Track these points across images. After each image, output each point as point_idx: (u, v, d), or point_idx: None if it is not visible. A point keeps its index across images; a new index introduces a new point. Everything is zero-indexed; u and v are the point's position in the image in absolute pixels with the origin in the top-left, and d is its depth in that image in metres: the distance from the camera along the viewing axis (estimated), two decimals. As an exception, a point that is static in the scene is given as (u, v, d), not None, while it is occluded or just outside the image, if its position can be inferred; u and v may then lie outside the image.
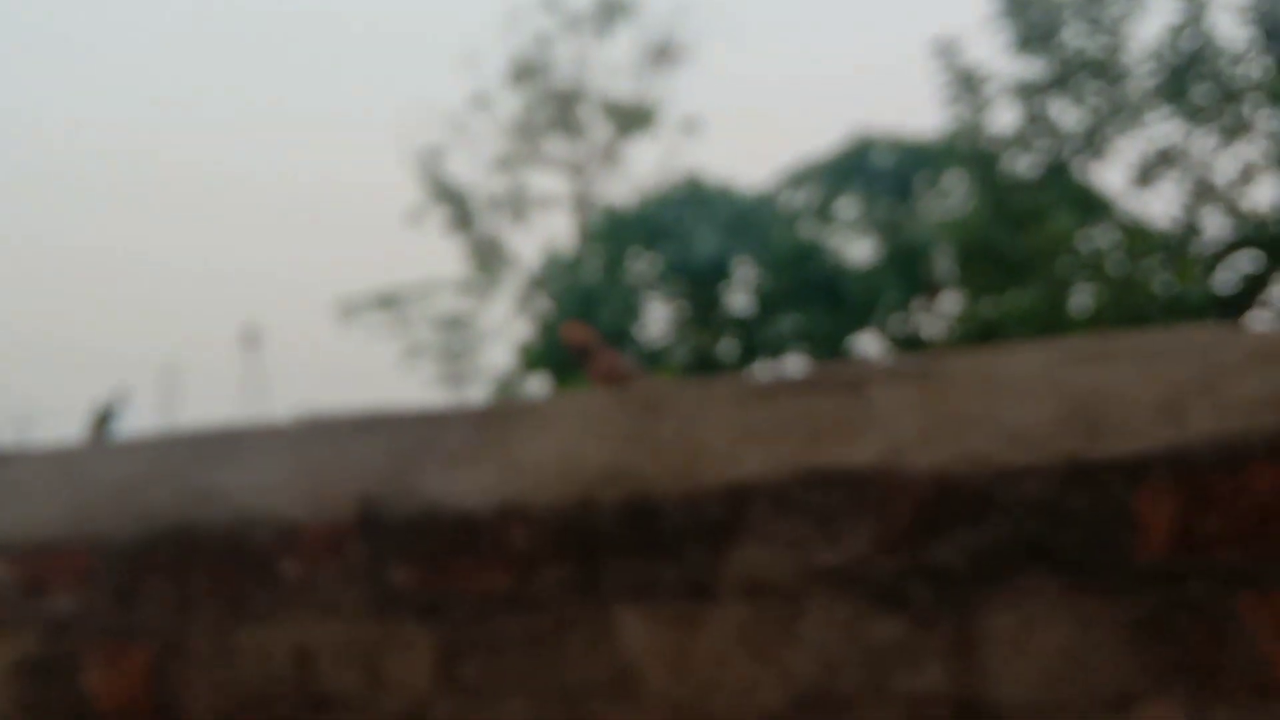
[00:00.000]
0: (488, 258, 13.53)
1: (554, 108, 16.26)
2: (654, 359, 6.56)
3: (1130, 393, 1.69)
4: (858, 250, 8.17)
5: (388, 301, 10.02)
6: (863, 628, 1.69)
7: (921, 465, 1.70)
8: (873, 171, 8.40)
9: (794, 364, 6.87)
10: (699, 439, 1.82)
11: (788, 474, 1.75)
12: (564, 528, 1.81)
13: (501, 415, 1.95)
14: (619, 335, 6.86)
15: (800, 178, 8.25)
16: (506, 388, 8.01)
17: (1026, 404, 1.71)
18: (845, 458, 1.74)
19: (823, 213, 8.12)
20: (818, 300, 6.85)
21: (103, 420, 4.37)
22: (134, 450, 2.10)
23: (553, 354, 6.72)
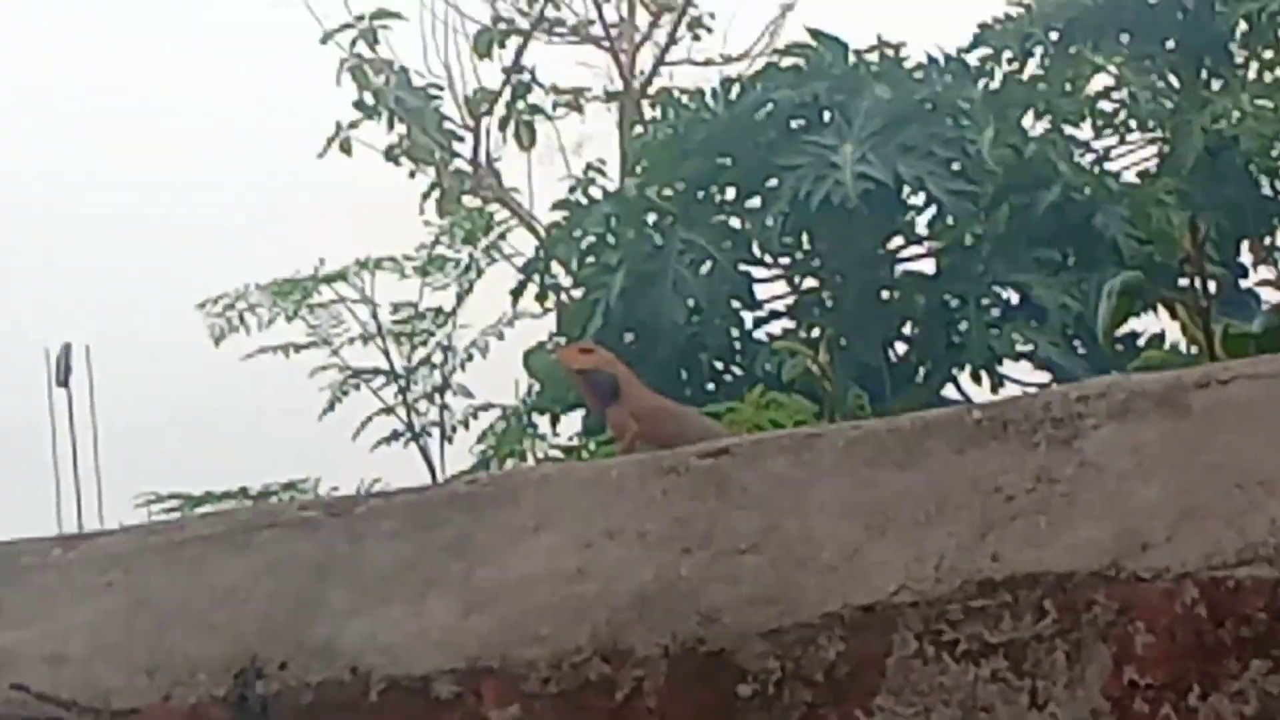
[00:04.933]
0: (463, 203, 12.71)
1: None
2: (728, 387, 6.04)
3: None
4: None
5: (287, 291, 8.98)
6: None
7: (1180, 563, 1.61)
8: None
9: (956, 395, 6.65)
10: (798, 535, 1.72)
11: (952, 590, 1.64)
12: (577, 700, 1.73)
13: (466, 503, 1.86)
14: (680, 348, 6.51)
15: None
16: (500, 445, 7.62)
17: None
18: (1049, 556, 1.63)
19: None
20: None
21: None
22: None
23: (565, 384, 6.39)
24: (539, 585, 1.83)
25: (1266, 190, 7.57)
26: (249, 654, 1.89)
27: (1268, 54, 7.95)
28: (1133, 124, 7.88)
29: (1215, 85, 7.93)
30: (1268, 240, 7.54)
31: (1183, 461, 1.71)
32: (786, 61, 7.30)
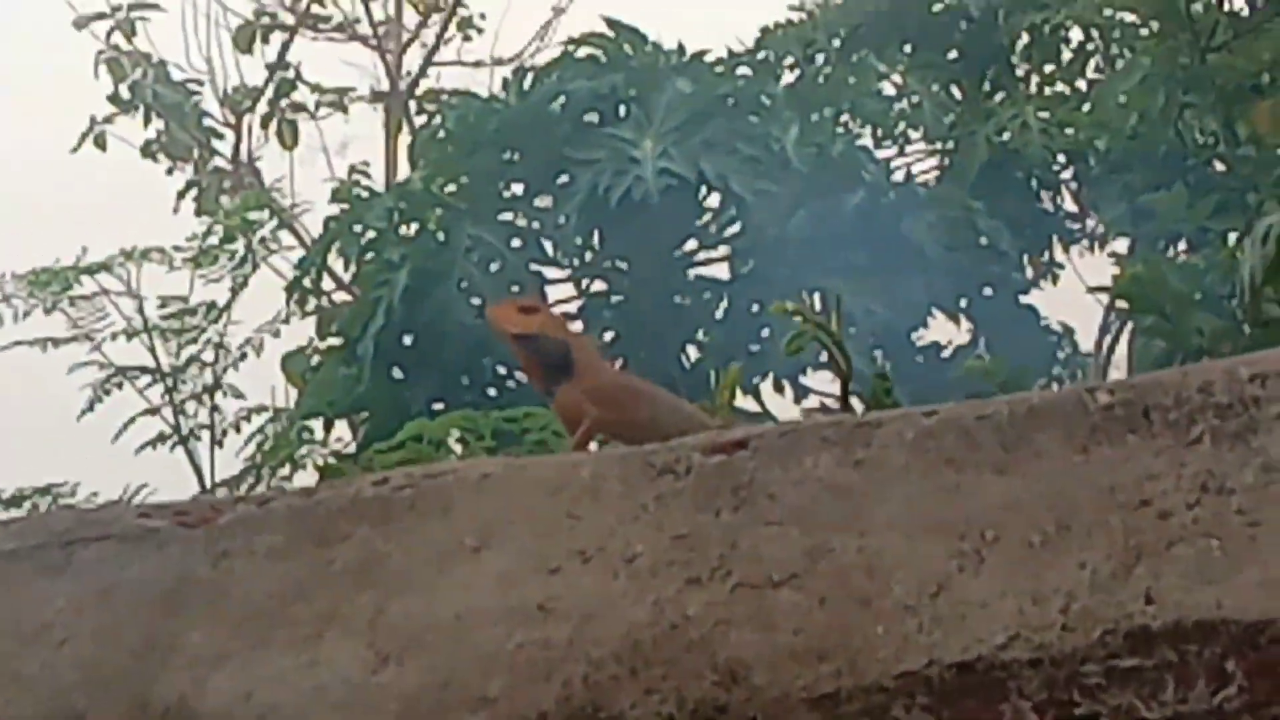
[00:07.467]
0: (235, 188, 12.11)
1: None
2: (511, 394, 5.58)
3: None
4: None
5: (45, 281, 8.38)
6: None
7: None
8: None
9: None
10: (857, 562, 1.32)
11: (1088, 643, 1.26)
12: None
13: (375, 512, 1.42)
14: (465, 351, 5.98)
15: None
16: (272, 451, 6.95)
17: None
18: (1231, 597, 1.24)
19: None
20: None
21: None
22: None
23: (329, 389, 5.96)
24: (483, 626, 1.41)
25: (1047, 205, 7.40)
26: (70, 715, 1.45)
27: (1049, 67, 7.80)
28: (913, 134, 7.66)
29: (998, 97, 7.74)
30: (1045, 256, 7.38)
31: None
32: (582, 52, 6.87)
